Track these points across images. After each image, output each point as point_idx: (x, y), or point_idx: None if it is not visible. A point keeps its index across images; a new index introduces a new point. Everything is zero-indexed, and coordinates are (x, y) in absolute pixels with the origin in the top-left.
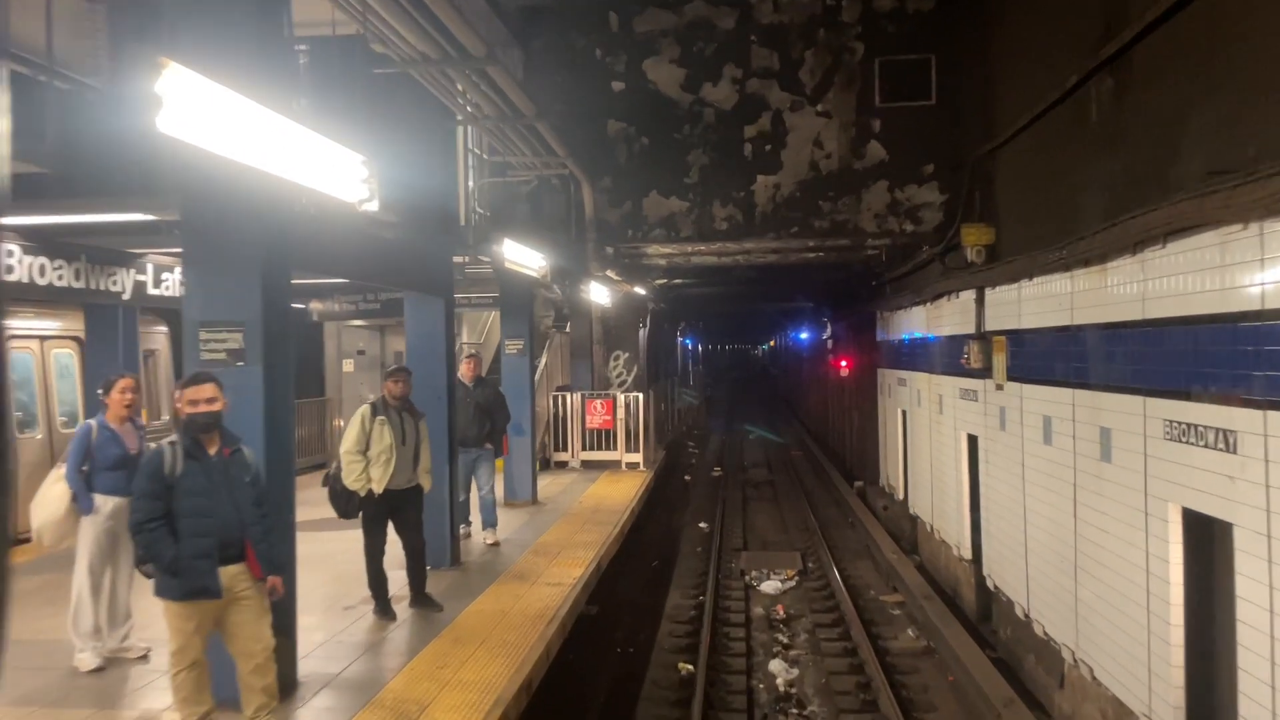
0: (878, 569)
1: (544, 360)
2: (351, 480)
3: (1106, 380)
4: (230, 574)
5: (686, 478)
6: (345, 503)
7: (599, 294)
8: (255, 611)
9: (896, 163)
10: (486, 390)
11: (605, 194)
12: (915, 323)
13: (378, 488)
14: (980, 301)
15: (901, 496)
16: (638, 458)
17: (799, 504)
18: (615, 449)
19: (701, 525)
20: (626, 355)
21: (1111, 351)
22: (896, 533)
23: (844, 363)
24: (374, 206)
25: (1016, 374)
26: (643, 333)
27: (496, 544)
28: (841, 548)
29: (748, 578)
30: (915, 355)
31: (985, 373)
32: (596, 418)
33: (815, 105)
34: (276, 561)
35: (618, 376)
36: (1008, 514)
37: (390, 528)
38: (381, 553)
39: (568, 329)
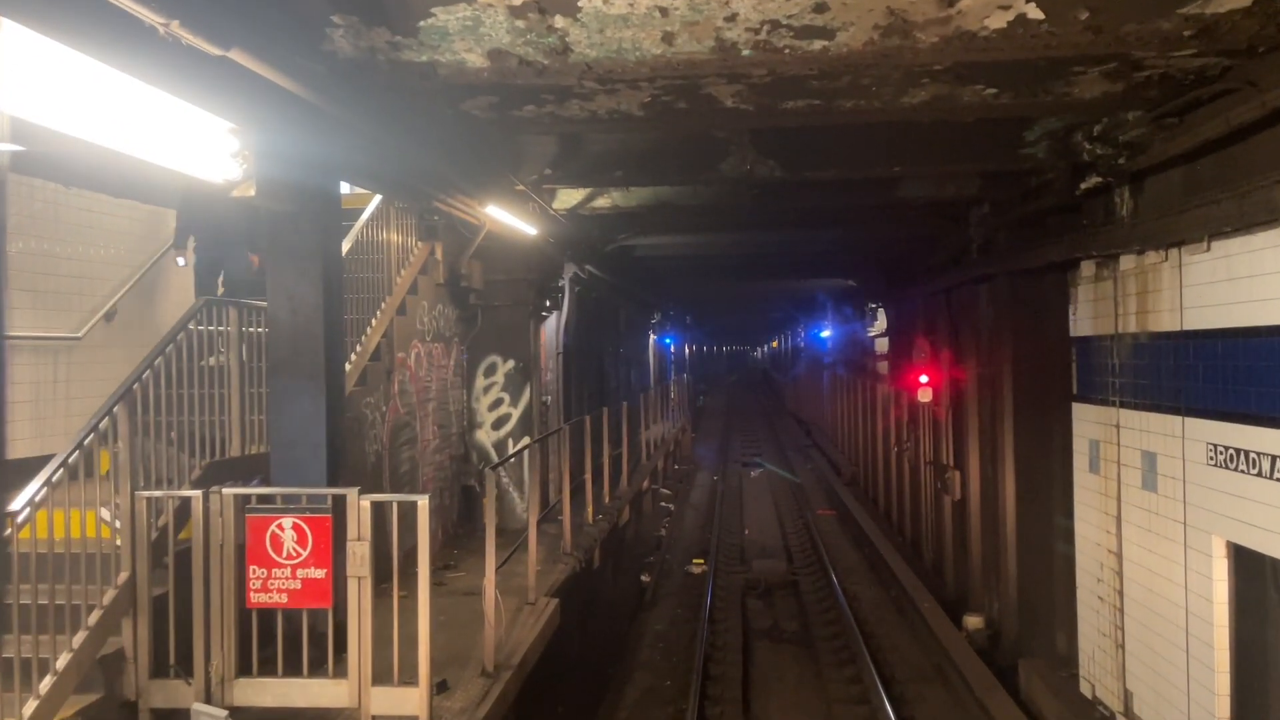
0: None
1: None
2: None
3: None
4: None
5: (645, 578)
6: None
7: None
8: None
9: None
10: None
11: None
12: None
13: None
14: None
15: None
16: (411, 700)
17: (861, 674)
18: (342, 665)
19: None
20: (513, 365)
21: None
22: None
23: (923, 378)
24: None
25: None
26: (554, 322)
27: None
28: None
29: None
30: None
31: None
32: (278, 580)
33: None
34: None
35: (493, 407)
36: None
37: None
38: None
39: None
